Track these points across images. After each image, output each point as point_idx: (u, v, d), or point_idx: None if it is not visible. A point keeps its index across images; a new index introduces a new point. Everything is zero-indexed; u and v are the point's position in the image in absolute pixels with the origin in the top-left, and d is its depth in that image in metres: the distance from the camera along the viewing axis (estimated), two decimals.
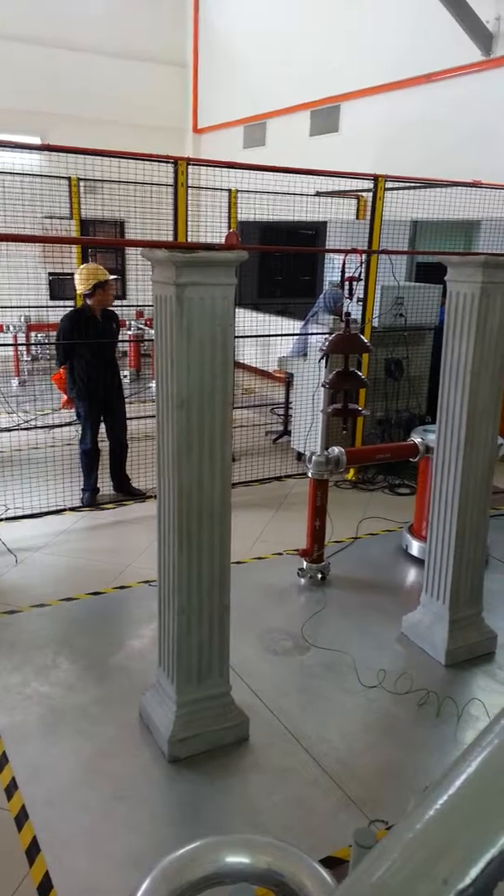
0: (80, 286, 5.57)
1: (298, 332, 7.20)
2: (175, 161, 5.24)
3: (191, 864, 1.00)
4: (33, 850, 2.48)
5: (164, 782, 2.84)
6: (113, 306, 5.79)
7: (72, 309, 6.33)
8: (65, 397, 5.88)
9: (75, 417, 6.11)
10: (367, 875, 0.79)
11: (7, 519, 5.22)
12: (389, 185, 6.31)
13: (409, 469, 5.95)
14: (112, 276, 5.63)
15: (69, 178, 7.79)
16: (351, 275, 3.45)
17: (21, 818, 2.62)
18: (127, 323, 9.66)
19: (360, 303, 6.12)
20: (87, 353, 5.53)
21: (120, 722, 3.16)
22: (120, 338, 5.96)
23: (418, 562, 4.74)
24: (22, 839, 2.53)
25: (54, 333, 6.56)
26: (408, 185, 6.92)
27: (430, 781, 1.07)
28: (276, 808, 2.73)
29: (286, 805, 2.75)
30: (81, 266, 5.83)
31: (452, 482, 3.57)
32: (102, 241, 9.87)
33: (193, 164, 5.61)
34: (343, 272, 3.45)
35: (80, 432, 5.81)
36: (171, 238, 5.52)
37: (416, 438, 4.74)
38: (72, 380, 5.64)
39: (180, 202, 5.31)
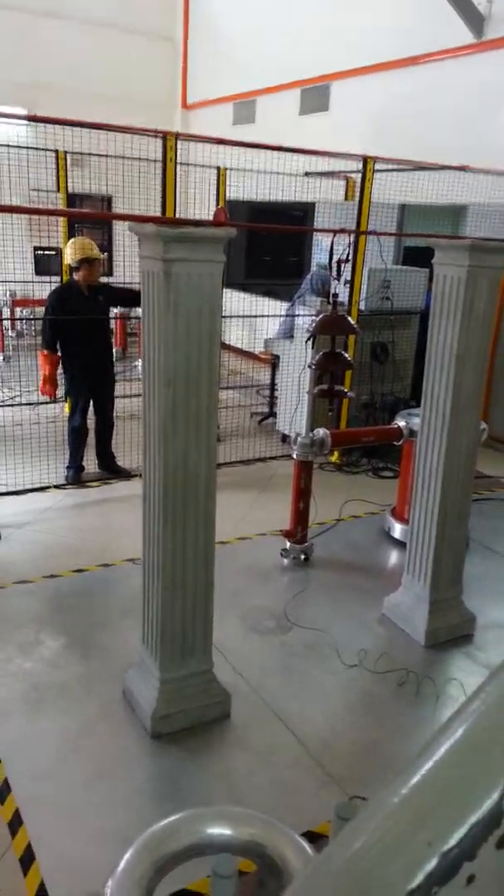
0: (69, 258, 5.54)
1: (285, 313, 7.18)
2: (164, 135, 5.17)
3: (174, 835, 1.01)
4: (16, 823, 2.50)
5: (146, 758, 2.87)
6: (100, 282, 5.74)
7: (60, 284, 6.26)
8: (42, 381, 5.67)
9: (65, 394, 6.05)
10: (350, 840, 0.80)
11: None
12: (378, 167, 6.27)
13: (392, 452, 5.97)
14: (90, 258, 5.47)
15: (56, 152, 7.66)
16: (339, 256, 3.44)
17: (3, 791, 2.63)
18: None
19: (348, 285, 6.11)
20: (75, 329, 5.48)
21: (103, 699, 3.18)
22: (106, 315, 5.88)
23: (400, 544, 4.77)
24: (4, 812, 2.55)
25: (40, 309, 6.50)
26: (396, 167, 6.89)
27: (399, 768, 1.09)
28: (257, 785, 2.77)
29: (268, 782, 2.79)
30: (74, 238, 5.77)
31: (436, 465, 3.60)
32: (90, 213, 9.73)
33: (183, 140, 5.54)
34: (331, 253, 3.44)
35: (70, 408, 5.78)
36: (159, 214, 5.46)
37: (400, 422, 4.76)
38: (63, 356, 5.58)
39: (169, 178, 5.25)
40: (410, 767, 0.75)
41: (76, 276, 5.51)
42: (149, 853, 1.00)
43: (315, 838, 2.51)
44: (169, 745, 2.93)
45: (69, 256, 5.54)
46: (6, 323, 10.03)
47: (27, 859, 2.37)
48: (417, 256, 7.43)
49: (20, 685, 3.26)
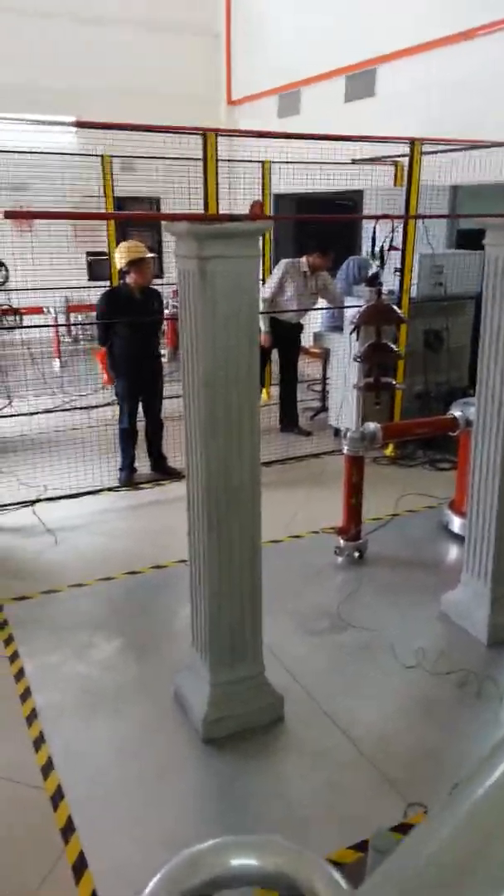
0: (118, 263, 5.59)
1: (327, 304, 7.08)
2: (204, 133, 5.13)
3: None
4: (68, 831, 2.50)
5: (198, 763, 2.83)
6: (153, 284, 5.74)
7: (108, 288, 6.32)
8: (106, 375, 5.91)
9: (115, 396, 6.13)
10: (411, 857, 0.74)
11: (46, 499, 5.26)
12: (427, 148, 6.07)
13: (450, 443, 5.78)
14: (149, 255, 5.54)
15: (101, 157, 7.72)
16: (383, 243, 3.32)
17: (56, 798, 2.64)
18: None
19: (398, 273, 5.94)
20: (124, 332, 5.51)
21: (155, 702, 3.16)
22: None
23: (459, 539, 4.61)
24: (57, 819, 2.55)
25: (94, 314, 6.60)
26: (447, 147, 6.65)
27: (459, 779, 1.01)
28: (311, 791, 2.70)
29: (322, 787, 2.72)
30: (122, 243, 5.81)
31: (493, 456, 3.44)
32: (124, 215, 9.74)
33: (223, 136, 5.48)
34: (374, 240, 3.32)
35: (118, 411, 5.83)
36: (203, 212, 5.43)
37: (455, 412, 4.59)
38: (111, 358, 5.68)
39: (210, 175, 5.20)
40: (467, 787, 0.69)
41: (128, 280, 5.53)
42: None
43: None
44: (221, 750, 2.88)
45: (119, 261, 5.58)
46: (62, 329, 10.18)
47: (79, 866, 2.36)
48: (473, 239, 7.18)
49: (75, 688, 3.28)
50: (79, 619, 3.84)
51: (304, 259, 6.67)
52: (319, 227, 11.03)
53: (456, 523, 4.78)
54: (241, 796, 2.68)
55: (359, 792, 2.71)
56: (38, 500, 5.23)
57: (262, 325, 6.36)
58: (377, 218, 3.21)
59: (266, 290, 6.55)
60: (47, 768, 2.80)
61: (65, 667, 3.43)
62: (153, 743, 2.93)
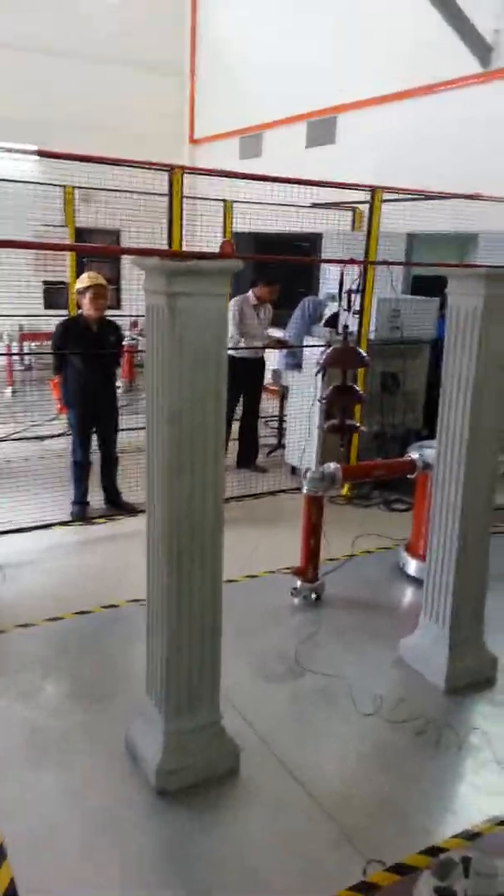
0: (75, 292, 5.53)
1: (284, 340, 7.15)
2: (170, 169, 5.15)
3: None
4: (10, 893, 2.33)
5: (151, 817, 2.69)
6: (108, 315, 5.67)
7: (66, 317, 6.23)
8: (59, 404, 5.81)
9: (68, 427, 6.00)
10: None
11: None
12: (386, 196, 6.23)
13: (405, 484, 5.81)
14: (94, 284, 5.40)
15: (63, 187, 7.68)
16: (350, 287, 3.35)
17: None
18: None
19: (357, 315, 6.02)
20: (78, 363, 5.42)
21: (106, 751, 3.01)
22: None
23: (416, 581, 4.61)
24: None
25: (48, 343, 6.50)
26: (405, 196, 6.85)
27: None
28: (268, 847, 2.59)
29: (279, 843, 2.61)
30: (84, 273, 5.75)
31: (453, 501, 3.45)
32: (91, 248, 9.73)
33: (189, 173, 5.52)
34: (341, 284, 3.35)
35: (70, 443, 5.70)
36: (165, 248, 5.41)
37: (413, 454, 4.62)
38: (65, 388, 5.57)
39: (175, 211, 5.21)
40: None
41: (84, 311, 5.45)
42: None
43: None
44: (174, 802, 2.76)
45: (75, 289, 5.53)
46: (15, 357, 10.00)
47: None
48: (427, 285, 7.36)
49: (20, 735, 3.11)
50: (26, 661, 3.66)
51: (250, 293, 6.72)
52: (278, 267, 11.20)
53: (412, 566, 4.78)
54: (194, 852, 2.55)
55: (317, 848, 2.61)
56: None
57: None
58: (345, 262, 3.24)
59: (231, 328, 6.57)
60: None
61: (9, 712, 3.25)
62: (103, 796, 2.79)
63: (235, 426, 6.84)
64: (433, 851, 2.58)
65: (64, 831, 2.62)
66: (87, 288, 5.38)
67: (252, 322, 6.67)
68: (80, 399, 5.48)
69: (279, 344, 7.02)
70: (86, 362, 5.41)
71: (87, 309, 5.41)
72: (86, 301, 5.39)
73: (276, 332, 7.26)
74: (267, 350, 7.08)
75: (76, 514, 5.54)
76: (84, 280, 5.46)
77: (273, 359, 7.59)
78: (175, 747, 2.80)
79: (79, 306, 5.59)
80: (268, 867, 2.51)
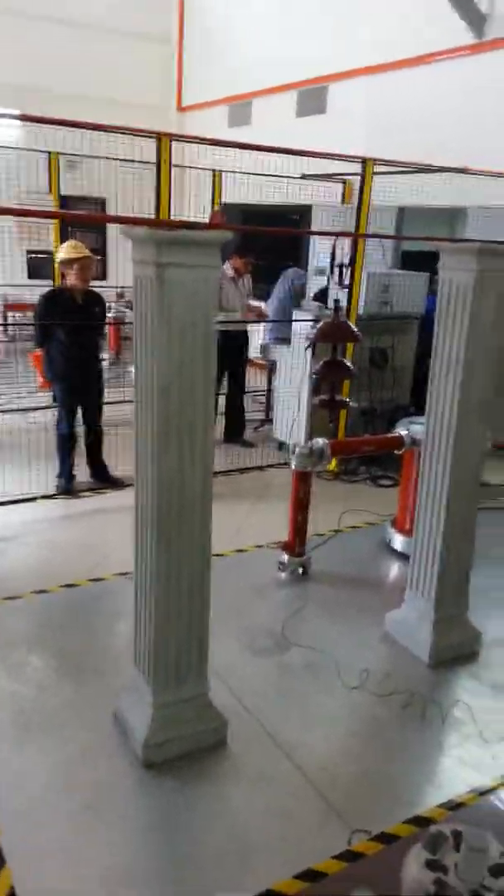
0: (58, 261, 5.42)
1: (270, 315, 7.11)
2: (158, 136, 5.04)
3: None
4: None
5: (138, 789, 2.71)
6: (93, 287, 5.58)
7: (49, 289, 6.12)
8: (42, 378, 5.72)
9: (52, 401, 5.94)
10: None
11: None
12: (377, 169, 6.14)
13: (392, 460, 5.83)
14: (83, 255, 5.31)
15: (48, 153, 7.51)
16: (341, 261, 3.31)
17: None
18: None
19: (346, 289, 5.96)
20: (62, 335, 5.33)
21: (94, 725, 3.02)
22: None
23: (402, 556, 4.64)
24: None
25: (33, 314, 6.37)
26: (396, 169, 6.76)
27: None
28: (255, 818, 2.62)
29: (266, 814, 2.64)
30: (65, 242, 5.63)
31: (441, 476, 3.46)
32: (79, 215, 9.55)
33: (177, 141, 5.40)
34: (333, 257, 3.30)
35: (56, 416, 5.64)
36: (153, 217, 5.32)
37: (401, 430, 4.62)
38: (48, 361, 5.49)
39: (163, 180, 5.11)
40: None
41: (68, 281, 5.36)
42: None
43: (316, 876, 2.37)
44: (162, 775, 2.77)
45: (58, 260, 5.42)
46: None
47: None
48: (417, 260, 7.31)
49: (6, 710, 3.10)
50: (12, 634, 3.65)
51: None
52: (264, 240, 11.08)
53: (398, 541, 4.80)
54: (182, 824, 2.58)
55: (303, 818, 2.64)
56: None
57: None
58: (337, 235, 3.18)
59: None
60: None
61: None
62: (91, 768, 2.79)
63: (221, 401, 6.81)
64: (418, 821, 2.62)
65: (51, 805, 2.62)
66: (74, 260, 5.28)
67: (232, 295, 6.58)
68: (65, 372, 5.41)
69: (259, 316, 6.96)
70: (71, 335, 5.33)
71: (74, 280, 5.32)
72: (73, 273, 5.30)
73: (257, 304, 7.19)
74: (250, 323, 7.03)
75: (62, 488, 5.50)
76: (70, 251, 5.34)
77: (258, 332, 7.53)
78: (163, 720, 2.81)
79: (62, 277, 5.49)
80: (254, 837, 2.53)
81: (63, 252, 5.36)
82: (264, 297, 7.78)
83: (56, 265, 6.90)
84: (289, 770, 2.85)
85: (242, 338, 6.87)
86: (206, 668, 2.90)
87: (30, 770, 2.77)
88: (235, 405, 6.96)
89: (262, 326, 7.37)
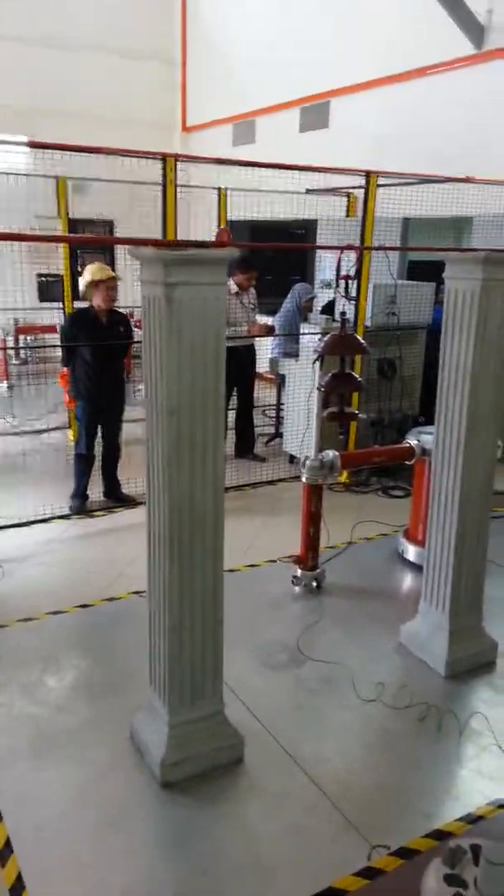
0: (81, 285, 5.48)
1: (277, 330, 7.14)
2: (163, 157, 5.10)
3: None
4: (18, 887, 2.34)
5: (156, 809, 2.71)
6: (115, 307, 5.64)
7: (76, 309, 6.19)
8: (66, 397, 5.81)
9: (75, 419, 5.99)
10: None
11: None
12: (381, 181, 6.19)
13: (403, 471, 5.82)
14: (108, 276, 5.38)
15: (56, 178, 7.61)
16: (346, 272, 3.33)
17: (5, 852, 2.48)
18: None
19: (353, 301, 5.99)
20: (87, 355, 5.40)
21: (110, 744, 3.02)
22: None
23: (415, 567, 4.62)
24: (6, 875, 2.39)
25: (44, 336, 6.47)
26: (400, 181, 6.80)
27: None
28: (273, 836, 2.60)
29: (284, 832, 2.62)
30: (90, 265, 5.70)
31: (452, 486, 3.45)
32: (85, 239, 9.68)
33: (182, 161, 5.47)
34: (338, 270, 3.33)
35: (76, 435, 5.68)
36: (160, 238, 5.38)
37: (411, 440, 4.62)
38: (73, 380, 5.56)
39: (169, 200, 5.17)
40: None
41: (95, 303, 5.43)
42: None
43: (337, 894, 2.36)
44: (179, 793, 2.77)
45: (81, 283, 5.47)
46: (10, 351, 9.96)
47: None
48: (423, 270, 7.33)
49: (24, 731, 3.11)
50: (28, 655, 3.66)
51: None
52: (272, 255, 11.15)
53: (411, 551, 4.79)
54: (200, 842, 2.57)
55: (322, 834, 2.63)
56: None
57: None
58: (342, 248, 3.21)
59: None
60: None
61: (13, 707, 3.26)
62: (108, 788, 2.79)
63: (231, 416, 6.83)
64: (437, 835, 2.60)
65: (70, 824, 2.62)
66: (100, 281, 5.35)
67: (236, 310, 6.62)
68: (89, 392, 5.46)
69: (269, 331, 6.98)
70: (95, 355, 5.39)
71: (100, 301, 5.39)
72: (99, 293, 5.37)
73: (265, 320, 7.23)
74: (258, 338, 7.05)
75: (75, 508, 5.53)
76: (96, 273, 5.39)
77: (267, 347, 7.57)
78: (179, 739, 2.81)
79: (84, 298, 5.55)
80: (272, 854, 2.52)
81: (89, 274, 5.41)
82: (274, 311, 7.83)
83: (66, 286, 6.99)
84: (306, 785, 2.84)
85: (249, 353, 6.90)
86: (220, 686, 2.90)
87: (47, 790, 2.78)
88: (245, 419, 6.98)
89: (269, 341, 7.40)
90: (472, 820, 2.69)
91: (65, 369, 5.77)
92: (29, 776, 2.85)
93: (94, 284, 5.36)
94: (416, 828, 2.64)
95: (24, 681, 3.44)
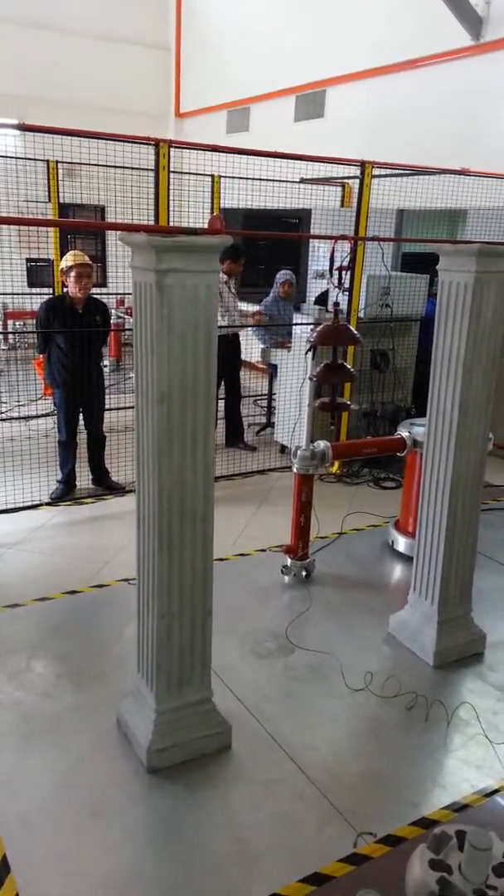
0: (59, 271, 5.46)
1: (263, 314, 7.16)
2: (156, 143, 5.05)
3: None
4: (2, 871, 2.33)
5: (142, 796, 2.71)
6: (93, 294, 5.59)
7: (50, 296, 6.15)
8: (43, 384, 5.76)
9: (53, 407, 5.95)
10: None
11: None
12: (376, 172, 6.16)
13: (394, 462, 5.84)
14: (78, 263, 5.31)
15: (47, 162, 7.54)
16: (340, 264, 3.31)
17: None
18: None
19: (346, 293, 5.98)
20: (62, 343, 5.36)
21: (97, 731, 3.02)
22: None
23: (405, 558, 4.64)
24: None
25: (33, 322, 6.42)
26: (395, 172, 6.78)
27: None
28: (260, 823, 2.61)
29: (271, 819, 2.63)
30: (69, 251, 5.66)
31: (443, 478, 3.46)
32: (77, 223, 9.59)
33: (175, 147, 5.42)
34: (332, 260, 3.31)
35: (56, 422, 5.65)
36: (152, 224, 5.34)
37: (403, 432, 4.62)
38: (49, 368, 5.51)
39: (162, 186, 5.12)
40: None
41: (69, 291, 5.38)
42: None
43: (322, 880, 2.37)
44: (166, 780, 2.77)
45: (60, 268, 5.45)
46: None
47: None
48: (417, 262, 7.32)
49: (10, 717, 3.10)
50: (14, 642, 3.65)
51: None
52: (265, 244, 11.10)
53: (401, 542, 4.80)
54: (187, 829, 2.57)
55: (309, 822, 2.63)
56: None
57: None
58: (336, 238, 3.19)
59: None
60: None
61: None
62: (94, 775, 2.79)
63: (220, 405, 6.82)
64: (423, 823, 2.62)
65: (56, 811, 2.62)
66: (70, 267, 5.30)
67: (226, 299, 6.59)
68: (64, 379, 5.43)
69: (265, 319, 6.97)
70: (70, 342, 5.35)
71: (72, 289, 5.34)
72: (70, 281, 5.32)
73: (248, 308, 7.23)
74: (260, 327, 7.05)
75: (58, 493, 5.49)
76: (68, 259, 5.37)
77: (250, 335, 7.55)
78: (166, 726, 2.81)
79: (64, 285, 5.51)
80: (259, 841, 2.52)
81: (63, 260, 5.40)
82: (259, 300, 7.80)
83: (56, 273, 6.94)
84: (293, 773, 2.84)
85: (234, 341, 6.88)
86: (209, 673, 2.90)
87: (33, 777, 2.77)
88: (233, 408, 6.97)
89: (250, 330, 7.40)
90: (459, 808, 2.71)
91: (41, 356, 5.72)
92: (15, 763, 2.84)
93: (64, 272, 5.32)
94: (403, 816, 2.66)
95: (11, 667, 3.43)
